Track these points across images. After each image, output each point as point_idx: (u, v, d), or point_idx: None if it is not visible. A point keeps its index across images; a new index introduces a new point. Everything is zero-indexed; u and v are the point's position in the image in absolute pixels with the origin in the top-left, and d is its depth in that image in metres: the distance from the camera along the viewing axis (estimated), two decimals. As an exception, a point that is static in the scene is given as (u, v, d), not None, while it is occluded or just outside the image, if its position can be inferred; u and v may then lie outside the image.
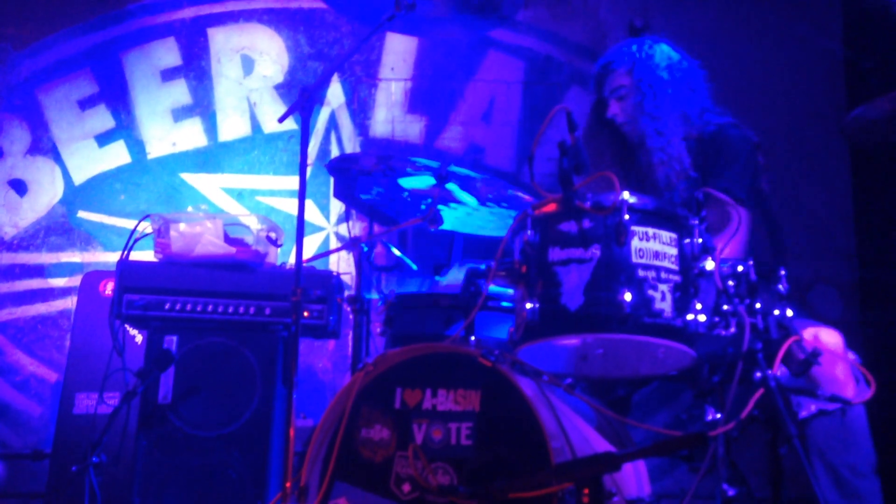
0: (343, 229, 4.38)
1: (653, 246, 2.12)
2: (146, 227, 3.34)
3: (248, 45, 4.56)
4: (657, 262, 2.11)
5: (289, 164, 4.45)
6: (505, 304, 2.68)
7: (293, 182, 4.34)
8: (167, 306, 3.25)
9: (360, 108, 4.53)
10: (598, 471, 1.86)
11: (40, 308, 4.27)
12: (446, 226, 3.17)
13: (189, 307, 3.25)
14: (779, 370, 2.08)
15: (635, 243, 2.11)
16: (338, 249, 4.18)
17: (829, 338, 2.61)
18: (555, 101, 4.49)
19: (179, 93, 4.51)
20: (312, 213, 4.39)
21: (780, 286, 2.18)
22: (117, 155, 4.44)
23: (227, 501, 3.11)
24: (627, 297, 2.05)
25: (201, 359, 3.22)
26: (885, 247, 4.13)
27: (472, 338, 2.37)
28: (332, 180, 4.19)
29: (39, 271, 4.31)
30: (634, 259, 2.09)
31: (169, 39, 4.53)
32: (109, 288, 3.63)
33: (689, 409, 2.88)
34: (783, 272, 2.20)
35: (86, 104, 4.47)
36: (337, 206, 4.39)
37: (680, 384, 2.84)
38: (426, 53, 4.58)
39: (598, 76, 3.18)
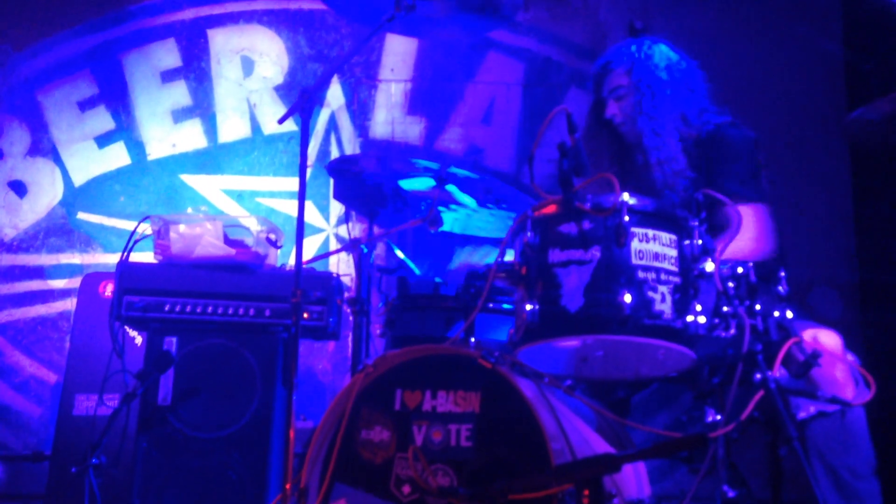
0: (343, 231, 4.38)
1: (653, 247, 2.12)
2: (146, 228, 3.33)
3: (248, 46, 4.56)
4: (657, 264, 2.11)
5: (289, 166, 4.45)
6: (505, 305, 2.68)
7: (293, 183, 4.34)
8: (167, 308, 3.24)
9: (359, 109, 4.52)
10: (598, 472, 1.85)
11: (40, 309, 4.26)
12: (446, 227, 3.17)
13: (189, 309, 3.25)
14: (779, 372, 2.08)
15: (635, 245, 2.10)
16: (338, 251, 4.18)
17: (829, 339, 2.61)
18: (555, 102, 4.48)
19: (179, 94, 4.51)
20: (312, 215, 4.39)
21: (780, 288, 2.18)
22: (117, 156, 4.44)
23: (226, 503, 3.11)
24: (627, 298, 2.05)
25: (201, 360, 3.22)
26: (885, 247, 4.13)
27: (472, 339, 2.38)
28: (331, 182, 4.18)
29: (39, 273, 4.31)
30: (634, 260, 2.09)
31: (169, 41, 4.53)
32: (109, 289, 3.63)
33: (689, 411, 2.87)
34: (783, 273, 2.20)
35: (86, 105, 4.47)
36: (337, 208, 4.39)
37: (680, 386, 2.84)
38: (426, 55, 4.57)
39: (596, 76, 3.17)
